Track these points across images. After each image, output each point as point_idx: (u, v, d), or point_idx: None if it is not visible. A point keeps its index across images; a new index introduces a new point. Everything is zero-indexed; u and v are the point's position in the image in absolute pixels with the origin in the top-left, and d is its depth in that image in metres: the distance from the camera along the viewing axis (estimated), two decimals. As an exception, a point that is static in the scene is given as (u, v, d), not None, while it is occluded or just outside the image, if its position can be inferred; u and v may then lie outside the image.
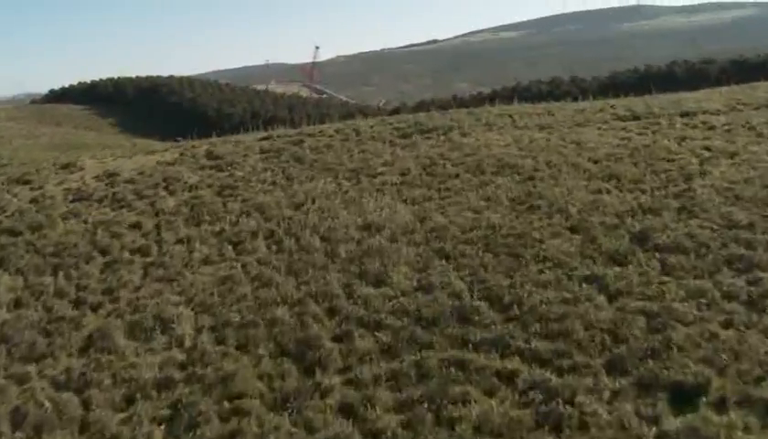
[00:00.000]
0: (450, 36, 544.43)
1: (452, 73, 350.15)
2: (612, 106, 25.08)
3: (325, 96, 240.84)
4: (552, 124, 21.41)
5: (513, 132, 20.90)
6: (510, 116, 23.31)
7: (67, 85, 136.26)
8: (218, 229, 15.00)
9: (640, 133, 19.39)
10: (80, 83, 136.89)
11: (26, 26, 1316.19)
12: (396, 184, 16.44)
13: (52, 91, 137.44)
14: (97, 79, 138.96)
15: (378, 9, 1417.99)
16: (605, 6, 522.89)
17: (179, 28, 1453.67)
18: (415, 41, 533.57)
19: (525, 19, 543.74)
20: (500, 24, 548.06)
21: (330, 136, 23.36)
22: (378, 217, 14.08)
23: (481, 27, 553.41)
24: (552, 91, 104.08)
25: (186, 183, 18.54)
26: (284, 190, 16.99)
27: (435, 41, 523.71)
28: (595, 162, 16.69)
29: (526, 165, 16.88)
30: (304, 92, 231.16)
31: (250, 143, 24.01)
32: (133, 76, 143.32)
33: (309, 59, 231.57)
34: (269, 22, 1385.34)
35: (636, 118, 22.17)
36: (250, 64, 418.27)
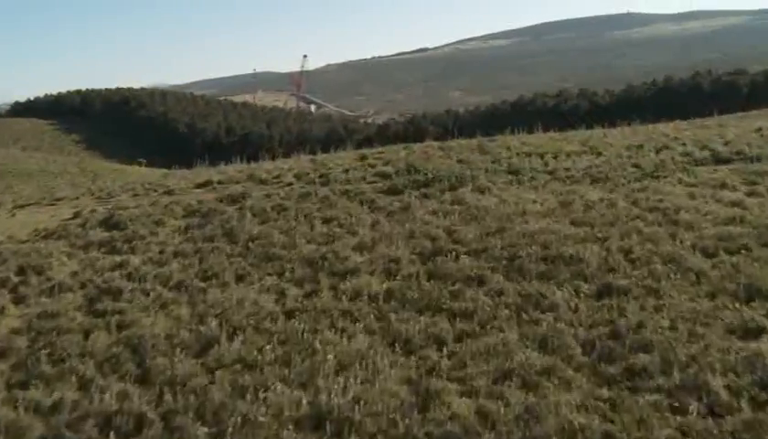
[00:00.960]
0: (440, 44, 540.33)
1: (443, 82, 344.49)
2: (674, 138, 18.44)
3: (312, 106, 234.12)
4: (607, 173, 14.73)
5: (552, 185, 14.22)
6: (541, 157, 16.65)
7: (32, 97, 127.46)
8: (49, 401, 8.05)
9: (751, 193, 12.74)
10: (46, 96, 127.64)
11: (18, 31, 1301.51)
12: (376, 301, 9.64)
13: (18, 104, 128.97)
14: (65, 91, 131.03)
15: (366, 17, 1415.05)
16: (596, 14, 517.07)
17: (166, 37, 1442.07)
18: (405, 49, 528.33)
19: (515, 27, 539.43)
20: (490, 32, 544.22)
21: (288, 185, 16.69)
22: (344, 400, 7.24)
23: (471, 36, 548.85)
24: (559, 106, 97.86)
25: (48, 280, 11.69)
26: (192, 304, 10.17)
27: (425, 49, 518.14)
28: (708, 255, 9.99)
29: (591, 257, 10.12)
30: (292, 102, 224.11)
31: (180, 192, 17.36)
32: (103, 88, 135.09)
33: (297, 68, 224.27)
34: (257, 31, 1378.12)
35: (723, 160, 15.58)
36: (238, 73, 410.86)
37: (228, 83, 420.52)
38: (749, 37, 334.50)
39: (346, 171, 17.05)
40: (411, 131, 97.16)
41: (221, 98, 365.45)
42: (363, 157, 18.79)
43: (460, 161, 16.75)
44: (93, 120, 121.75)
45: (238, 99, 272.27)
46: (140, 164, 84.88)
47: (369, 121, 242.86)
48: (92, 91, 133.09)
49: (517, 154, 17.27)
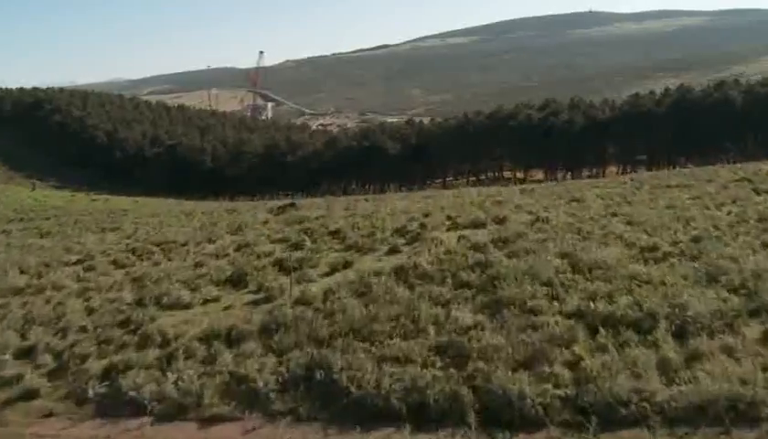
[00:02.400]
0: (400, 41, 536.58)
1: (403, 80, 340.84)
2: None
3: (269, 104, 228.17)
4: None
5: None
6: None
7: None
8: None
9: None
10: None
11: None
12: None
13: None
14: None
15: (327, 13, 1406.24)
16: (557, 13, 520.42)
17: (124, 32, 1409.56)
18: (365, 46, 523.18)
19: (475, 25, 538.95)
20: (450, 29, 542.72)
21: None
22: None
23: (431, 33, 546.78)
24: (547, 120, 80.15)
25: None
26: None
27: (386, 46, 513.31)
28: None
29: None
30: (250, 99, 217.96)
31: None
32: (15, 88, 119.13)
33: (253, 65, 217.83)
34: (215, 26, 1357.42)
35: None
36: (195, 69, 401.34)
37: (183, 79, 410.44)
38: (709, 38, 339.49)
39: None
40: (365, 147, 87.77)
41: (169, 96, 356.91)
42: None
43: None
44: (3, 125, 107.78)
45: (193, 95, 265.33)
46: (32, 187, 72.89)
47: (328, 120, 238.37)
48: (2, 90, 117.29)
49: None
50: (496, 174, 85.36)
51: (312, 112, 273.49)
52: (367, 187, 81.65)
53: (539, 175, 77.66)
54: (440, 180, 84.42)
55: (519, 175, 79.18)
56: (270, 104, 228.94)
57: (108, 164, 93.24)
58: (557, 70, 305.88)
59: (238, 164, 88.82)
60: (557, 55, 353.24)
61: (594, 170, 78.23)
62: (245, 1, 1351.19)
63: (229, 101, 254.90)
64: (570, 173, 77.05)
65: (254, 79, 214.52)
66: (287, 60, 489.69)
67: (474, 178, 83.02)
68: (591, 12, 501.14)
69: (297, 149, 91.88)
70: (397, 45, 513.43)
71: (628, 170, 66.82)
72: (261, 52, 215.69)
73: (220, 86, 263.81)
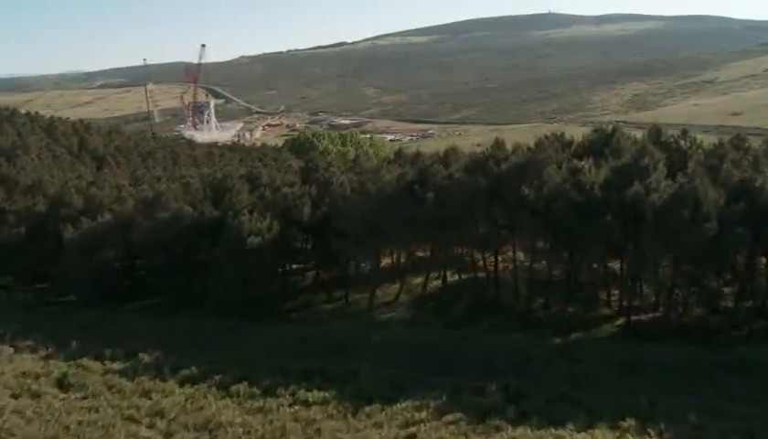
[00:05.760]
0: (359, 38, 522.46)
1: (359, 78, 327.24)
2: None
3: (212, 101, 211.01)
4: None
5: None
6: None
7: None
8: None
9: None
10: None
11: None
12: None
13: None
14: None
15: (286, 9, 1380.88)
16: (516, 14, 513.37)
17: (39, 26, 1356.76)
18: (323, 43, 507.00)
19: (433, 24, 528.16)
20: (408, 28, 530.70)
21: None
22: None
23: (388, 31, 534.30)
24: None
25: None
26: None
27: (344, 43, 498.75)
28: None
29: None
30: (189, 97, 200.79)
31: None
32: None
33: (195, 60, 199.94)
34: (174, 17, 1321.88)
35: None
36: (128, 65, 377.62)
37: (136, 73, 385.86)
38: (668, 42, 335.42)
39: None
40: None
41: (116, 90, 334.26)
42: None
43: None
44: None
45: (141, 90, 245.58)
46: None
47: (276, 120, 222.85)
48: None
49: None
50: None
51: (262, 110, 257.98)
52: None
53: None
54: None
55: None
56: (213, 102, 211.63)
57: None
58: (516, 72, 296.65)
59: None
60: (515, 56, 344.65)
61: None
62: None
63: (168, 98, 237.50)
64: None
65: (195, 75, 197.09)
66: (241, 56, 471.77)
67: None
68: (550, 13, 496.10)
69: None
70: (354, 43, 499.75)
71: None
72: (203, 45, 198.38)
73: (176, 81, 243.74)
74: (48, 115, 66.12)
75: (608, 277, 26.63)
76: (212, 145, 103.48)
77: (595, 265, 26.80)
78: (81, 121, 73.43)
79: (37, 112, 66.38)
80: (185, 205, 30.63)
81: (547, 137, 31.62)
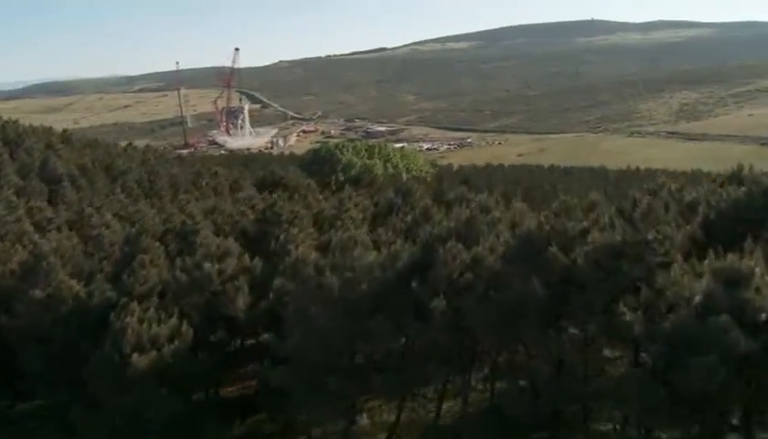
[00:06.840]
0: (398, 44, 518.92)
1: (397, 84, 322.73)
2: None
3: (246, 105, 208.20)
4: None
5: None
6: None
7: None
8: None
9: None
10: None
11: None
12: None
13: None
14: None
15: (327, 14, 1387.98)
16: (558, 21, 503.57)
17: (86, 31, 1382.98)
18: (362, 48, 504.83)
19: (474, 30, 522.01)
20: (448, 34, 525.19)
21: None
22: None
23: (429, 37, 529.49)
24: None
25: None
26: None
27: (383, 49, 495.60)
28: None
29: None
30: (223, 101, 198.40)
31: None
32: None
33: (228, 64, 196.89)
34: (216, 22, 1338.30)
35: None
36: (193, 67, 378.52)
37: (173, 77, 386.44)
38: (717, 50, 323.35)
39: None
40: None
41: (154, 94, 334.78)
42: None
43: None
44: None
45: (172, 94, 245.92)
46: None
47: (311, 126, 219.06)
48: None
49: None
50: None
51: (297, 115, 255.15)
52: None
53: None
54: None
55: None
56: (247, 107, 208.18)
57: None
58: (558, 79, 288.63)
59: None
60: (557, 63, 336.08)
61: None
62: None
63: (205, 103, 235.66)
64: None
65: (228, 79, 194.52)
66: (280, 61, 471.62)
67: None
68: (593, 20, 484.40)
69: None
70: (394, 48, 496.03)
71: None
72: (237, 49, 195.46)
73: (214, 85, 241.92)
74: (28, 123, 59.34)
75: None
76: (239, 152, 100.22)
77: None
78: (65, 130, 68.57)
79: (10, 119, 57.68)
80: (68, 280, 18.14)
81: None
